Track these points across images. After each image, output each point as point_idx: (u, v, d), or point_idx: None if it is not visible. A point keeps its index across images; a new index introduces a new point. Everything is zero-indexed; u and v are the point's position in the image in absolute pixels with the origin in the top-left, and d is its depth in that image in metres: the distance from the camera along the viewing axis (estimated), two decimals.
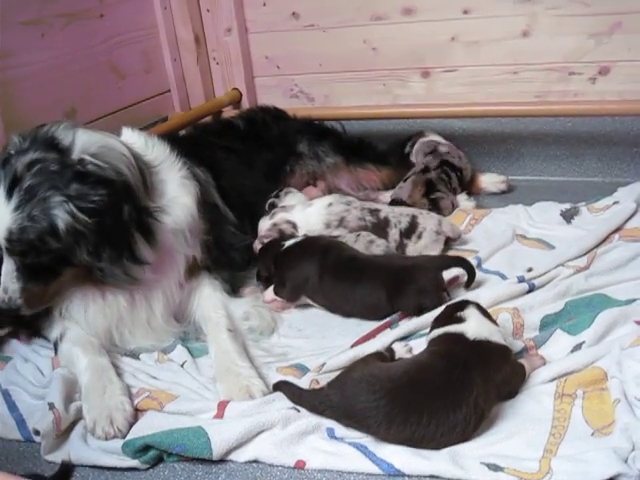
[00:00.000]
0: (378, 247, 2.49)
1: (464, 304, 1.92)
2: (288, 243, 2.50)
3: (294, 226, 2.72)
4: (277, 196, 2.92)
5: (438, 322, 1.92)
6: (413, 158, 3.32)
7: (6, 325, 2.34)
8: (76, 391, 2.04)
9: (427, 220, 2.67)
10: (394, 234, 2.64)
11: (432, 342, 1.86)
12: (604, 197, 2.92)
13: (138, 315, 2.22)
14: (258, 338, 2.27)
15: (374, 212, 2.71)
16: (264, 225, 2.73)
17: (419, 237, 2.64)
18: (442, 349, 1.80)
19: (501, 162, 3.49)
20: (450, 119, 3.45)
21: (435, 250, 2.65)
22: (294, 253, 2.45)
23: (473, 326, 1.82)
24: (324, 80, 3.66)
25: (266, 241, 2.62)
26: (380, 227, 2.66)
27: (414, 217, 2.67)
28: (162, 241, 2.18)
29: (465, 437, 1.67)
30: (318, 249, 2.43)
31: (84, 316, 2.19)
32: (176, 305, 2.31)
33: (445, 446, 1.66)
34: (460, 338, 1.80)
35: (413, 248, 2.64)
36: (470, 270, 2.33)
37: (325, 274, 2.34)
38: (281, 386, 1.91)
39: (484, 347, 1.78)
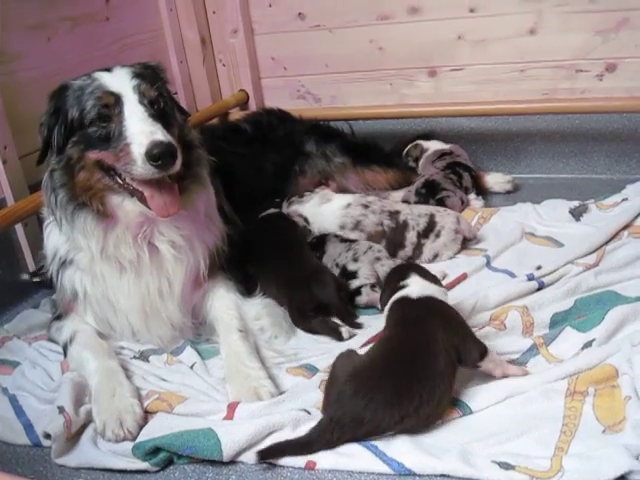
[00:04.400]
0: (382, 267, 2.47)
1: (405, 271, 2.05)
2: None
3: (305, 220, 2.78)
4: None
5: (385, 293, 2.05)
6: (421, 171, 3.32)
7: None
8: (86, 394, 2.04)
9: (445, 218, 2.67)
10: (411, 237, 2.65)
11: (387, 316, 1.97)
12: (613, 194, 2.91)
13: (157, 304, 2.22)
14: (270, 339, 2.27)
15: (393, 215, 2.71)
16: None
17: (437, 235, 2.64)
18: (395, 317, 1.92)
19: (509, 160, 3.49)
20: (457, 118, 3.45)
21: (452, 250, 2.66)
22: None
23: (415, 289, 1.96)
24: (331, 81, 3.67)
25: None
26: (398, 231, 2.67)
27: (432, 216, 2.67)
28: (197, 202, 2.21)
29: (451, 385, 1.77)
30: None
31: (112, 294, 2.20)
32: (193, 303, 2.31)
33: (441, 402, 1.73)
34: (405, 301, 1.94)
35: (430, 247, 2.65)
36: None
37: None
38: (278, 452, 1.73)
39: (429, 302, 1.93)
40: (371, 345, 1.95)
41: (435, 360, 1.75)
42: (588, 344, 1.95)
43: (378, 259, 2.49)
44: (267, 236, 2.60)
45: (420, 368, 1.73)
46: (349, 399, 1.69)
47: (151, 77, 2.14)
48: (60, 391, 2.01)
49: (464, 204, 3.03)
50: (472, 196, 3.11)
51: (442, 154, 3.24)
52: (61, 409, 1.89)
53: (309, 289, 2.31)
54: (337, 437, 1.69)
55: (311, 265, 2.47)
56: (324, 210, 2.79)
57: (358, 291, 2.40)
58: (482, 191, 3.22)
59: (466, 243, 2.71)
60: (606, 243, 2.53)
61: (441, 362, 1.75)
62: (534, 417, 1.73)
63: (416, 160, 3.35)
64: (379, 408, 1.67)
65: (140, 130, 1.97)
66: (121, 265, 2.17)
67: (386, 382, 1.70)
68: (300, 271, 2.41)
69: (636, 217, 2.67)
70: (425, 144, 3.36)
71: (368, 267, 2.45)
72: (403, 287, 1.98)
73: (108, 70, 2.11)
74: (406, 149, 3.40)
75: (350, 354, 1.87)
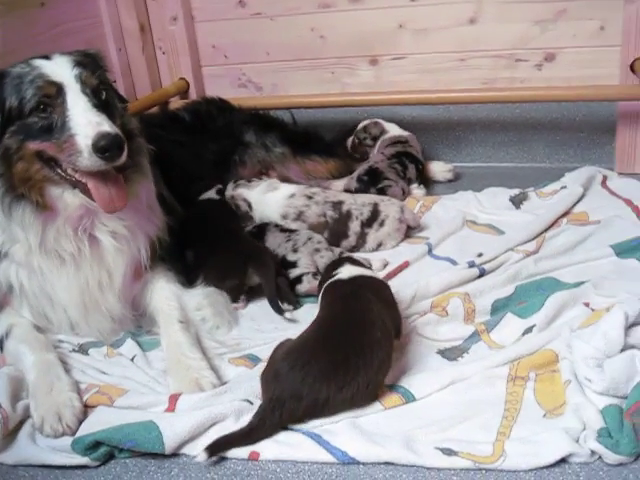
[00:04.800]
0: (322, 258, 2.46)
1: (338, 263, 2.13)
2: None
3: (249, 205, 2.79)
4: None
5: (320, 284, 2.10)
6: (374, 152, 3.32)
7: None
8: (23, 389, 1.98)
9: (389, 207, 2.67)
10: (355, 226, 2.65)
11: (320, 300, 2.02)
12: (552, 182, 2.96)
13: (97, 297, 2.17)
14: (212, 330, 2.24)
15: (336, 205, 2.70)
16: (227, 192, 2.83)
17: (381, 225, 2.64)
18: (328, 298, 1.98)
19: (450, 149, 3.52)
20: (398, 106, 3.45)
21: (396, 239, 2.66)
22: None
23: (345, 272, 2.04)
24: (272, 69, 3.64)
25: None
26: (342, 222, 2.66)
27: (376, 205, 2.67)
28: (140, 192, 2.19)
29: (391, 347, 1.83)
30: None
31: (50, 288, 2.15)
32: (133, 294, 2.28)
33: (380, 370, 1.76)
34: (337, 282, 2.01)
35: (374, 236, 2.64)
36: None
37: None
38: (224, 445, 1.70)
39: (360, 278, 2.01)
40: None
41: (372, 328, 1.79)
42: (529, 330, 1.98)
43: (317, 250, 2.48)
44: (207, 221, 2.58)
45: (355, 337, 1.76)
46: (286, 375, 1.69)
47: (92, 65, 2.09)
48: None
49: (405, 194, 3.04)
50: (414, 185, 3.12)
51: (397, 141, 3.24)
52: None
53: (245, 270, 2.33)
54: (279, 417, 1.68)
55: (251, 246, 2.47)
56: (268, 198, 2.78)
57: (299, 279, 2.39)
58: (424, 180, 3.23)
59: (409, 231, 2.72)
60: (546, 230, 2.58)
61: (377, 330, 1.79)
62: (476, 403, 1.75)
63: (374, 139, 3.34)
64: (316, 380, 1.68)
65: (86, 121, 1.92)
66: (61, 258, 2.11)
67: (321, 354, 1.72)
68: (239, 252, 2.40)
69: (574, 205, 2.73)
70: (386, 125, 3.35)
71: (308, 258, 2.44)
72: (336, 275, 2.04)
73: (47, 58, 2.05)
74: (363, 124, 3.38)
75: (286, 341, 1.87)
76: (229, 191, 2.84)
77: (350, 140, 3.41)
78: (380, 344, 1.77)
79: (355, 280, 1.99)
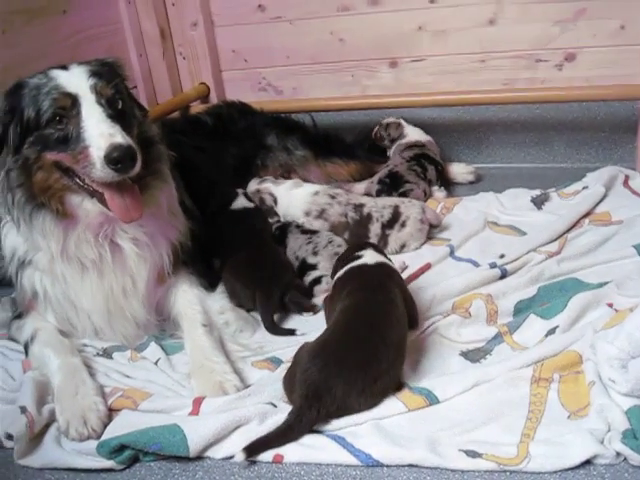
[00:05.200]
0: None
1: (361, 246, 2.18)
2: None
3: (275, 200, 2.82)
4: None
5: (341, 262, 2.15)
6: (390, 155, 3.32)
7: None
8: (48, 393, 2.00)
9: (410, 209, 2.67)
10: (375, 228, 2.65)
11: (338, 282, 2.07)
12: (573, 182, 2.94)
13: (121, 303, 2.19)
14: (235, 333, 2.25)
15: (358, 208, 2.70)
16: (251, 186, 2.87)
17: (402, 225, 2.64)
18: (354, 284, 2.00)
19: (470, 150, 3.51)
20: (419, 108, 3.45)
21: (419, 240, 2.66)
22: None
23: (370, 257, 2.09)
24: (292, 73, 3.65)
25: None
26: (362, 224, 2.67)
27: (396, 207, 2.67)
28: (160, 198, 2.19)
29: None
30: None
31: (74, 294, 2.16)
32: (156, 300, 2.29)
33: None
34: (363, 267, 2.06)
35: (396, 237, 2.64)
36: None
37: None
38: (262, 445, 1.70)
39: (385, 266, 2.07)
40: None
41: (398, 324, 1.85)
42: (552, 331, 1.97)
43: (337, 254, 2.46)
44: (239, 231, 2.57)
45: (385, 331, 1.80)
46: (319, 371, 1.70)
47: (108, 75, 2.09)
48: (22, 390, 1.97)
49: (427, 196, 3.04)
50: (435, 187, 3.11)
51: (413, 145, 3.22)
52: (23, 409, 1.86)
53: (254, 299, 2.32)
54: (316, 413, 1.69)
55: (263, 272, 2.40)
56: (294, 194, 2.80)
57: (318, 280, 2.40)
58: (445, 182, 3.23)
59: (431, 232, 2.71)
60: (568, 231, 2.57)
61: (403, 326, 1.87)
62: (500, 404, 1.74)
63: (392, 141, 3.34)
64: (352, 372, 1.71)
65: (99, 132, 1.93)
66: (83, 265, 2.13)
67: (352, 347, 1.76)
68: (253, 279, 2.37)
69: (596, 205, 2.72)
70: (407, 129, 3.33)
71: (327, 261, 2.44)
72: (359, 257, 2.09)
73: (64, 68, 2.06)
74: (387, 121, 3.37)
75: (308, 342, 1.87)
76: (254, 185, 2.86)
77: (375, 130, 3.41)
78: (404, 339, 1.85)
79: (382, 269, 2.05)
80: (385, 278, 2.00)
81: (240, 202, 2.70)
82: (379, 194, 2.96)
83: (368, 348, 1.75)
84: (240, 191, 2.76)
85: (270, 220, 2.77)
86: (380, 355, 1.75)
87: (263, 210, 2.80)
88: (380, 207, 2.69)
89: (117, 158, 1.89)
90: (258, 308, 2.30)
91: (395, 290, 1.94)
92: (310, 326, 2.24)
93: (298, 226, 2.66)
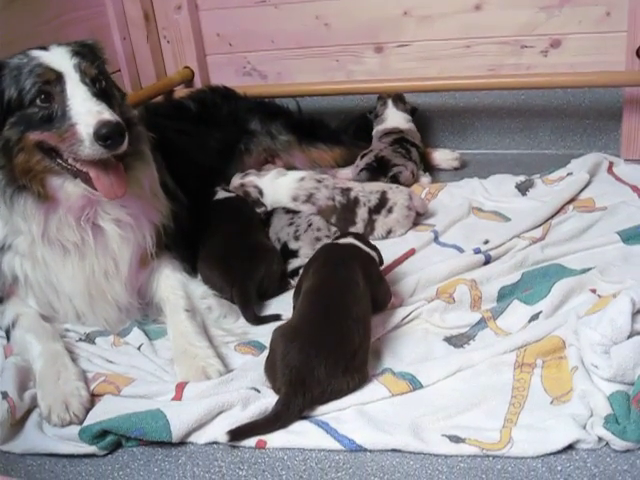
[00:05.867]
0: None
1: (344, 235, 2.23)
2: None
3: (260, 192, 2.78)
4: None
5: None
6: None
7: None
8: (30, 379, 1.98)
9: (397, 195, 2.66)
10: (362, 213, 2.64)
11: (307, 263, 2.13)
12: (558, 169, 2.95)
13: (103, 286, 2.17)
14: (218, 318, 2.24)
15: (345, 192, 2.69)
16: (234, 182, 2.83)
17: (389, 211, 2.64)
18: (319, 262, 2.06)
19: (455, 136, 3.51)
20: (404, 94, 3.43)
21: (405, 226, 2.66)
22: None
23: (345, 240, 2.15)
24: (277, 57, 3.63)
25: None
26: (349, 208, 2.66)
27: (384, 193, 2.67)
28: (142, 179, 2.18)
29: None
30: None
31: (55, 278, 2.14)
32: (139, 283, 2.27)
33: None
34: (332, 245, 2.16)
35: (383, 222, 2.64)
36: None
37: None
38: (248, 431, 1.70)
39: (355, 247, 2.11)
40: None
41: (361, 300, 1.89)
42: (535, 317, 1.97)
43: (318, 239, 2.46)
44: (222, 223, 2.54)
45: (351, 307, 1.84)
46: (298, 354, 1.70)
47: (90, 55, 2.08)
48: (3, 376, 1.95)
49: (415, 177, 3.04)
50: (420, 173, 3.11)
51: (390, 132, 3.21)
52: (4, 394, 1.84)
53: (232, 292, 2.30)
54: (302, 399, 1.68)
55: (241, 267, 2.36)
56: (278, 182, 2.79)
57: (297, 272, 2.36)
58: (429, 168, 3.23)
59: (417, 219, 2.71)
60: (552, 217, 2.58)
61: (366, 304, 1.90)
62: (483, 390, 1.74)
63: (376, 116, 3.32)
64: (330, 351, 1.71)
65: (87, 110, 1.91)
66: (64, 248, 2.11)
67: (325, 327, 1.78)
68: (231, 273, 2.34)
69: (581, 191, 2.73)
70: (388, 110, 3.29)
71: (308, 247, 2.43)
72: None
73: (44, 49, 2.04)
74: (385, 95, 3.34)
75: (281, 326, 1.88)
76: (237, 180, 2.83)
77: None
78: (369, 315, 1.91)
79: (347, 248, 2.09)
80: (350, 257, 2.03)
81: (221, 194, 2.69)
82: (368, 180, 2.94)
83: (340, 325, 1.77)
84: (218, 188, 2.73)
85: (257, 210, 2.73)
86: (352, 330, 1.77)
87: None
88: (367, 192, 2.68)
89: (106, 134, 1.87)
90: (237, 305, 2.28)
91: (358, 270, 1.96)
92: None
93: (284, 208, 2.65)
